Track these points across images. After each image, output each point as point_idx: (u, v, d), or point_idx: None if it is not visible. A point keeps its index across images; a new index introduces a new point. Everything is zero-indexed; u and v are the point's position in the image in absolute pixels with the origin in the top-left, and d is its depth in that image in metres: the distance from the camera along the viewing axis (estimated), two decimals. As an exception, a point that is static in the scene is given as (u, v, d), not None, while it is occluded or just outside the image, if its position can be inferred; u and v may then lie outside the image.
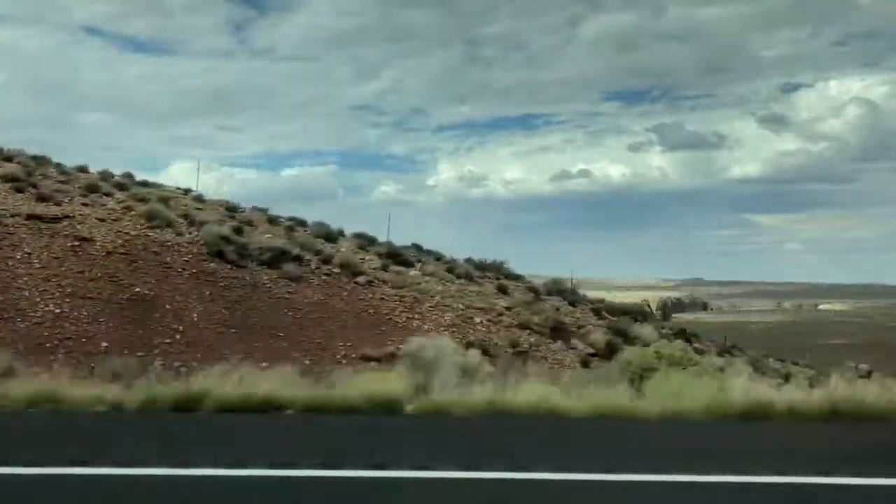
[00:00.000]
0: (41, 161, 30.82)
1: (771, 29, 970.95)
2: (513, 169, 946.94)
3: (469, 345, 19.62)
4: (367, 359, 19.23)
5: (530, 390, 8.51)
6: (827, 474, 5.47)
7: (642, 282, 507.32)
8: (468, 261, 32.71)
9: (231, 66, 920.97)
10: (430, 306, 24.67)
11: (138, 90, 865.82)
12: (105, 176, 32.15)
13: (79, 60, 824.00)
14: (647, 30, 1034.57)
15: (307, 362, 17.84)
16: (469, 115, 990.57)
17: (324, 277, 24.94)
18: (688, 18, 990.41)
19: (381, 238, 32.21)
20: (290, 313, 21.49)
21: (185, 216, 26.72)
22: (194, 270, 22.42)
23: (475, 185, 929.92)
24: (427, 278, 27.75)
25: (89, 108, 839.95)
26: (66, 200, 25.33)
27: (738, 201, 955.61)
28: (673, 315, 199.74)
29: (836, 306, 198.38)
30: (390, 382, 8.86)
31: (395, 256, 29.44)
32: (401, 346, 14.73)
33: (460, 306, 25.15)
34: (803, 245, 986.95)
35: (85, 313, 18.67)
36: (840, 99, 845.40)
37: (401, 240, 33.26)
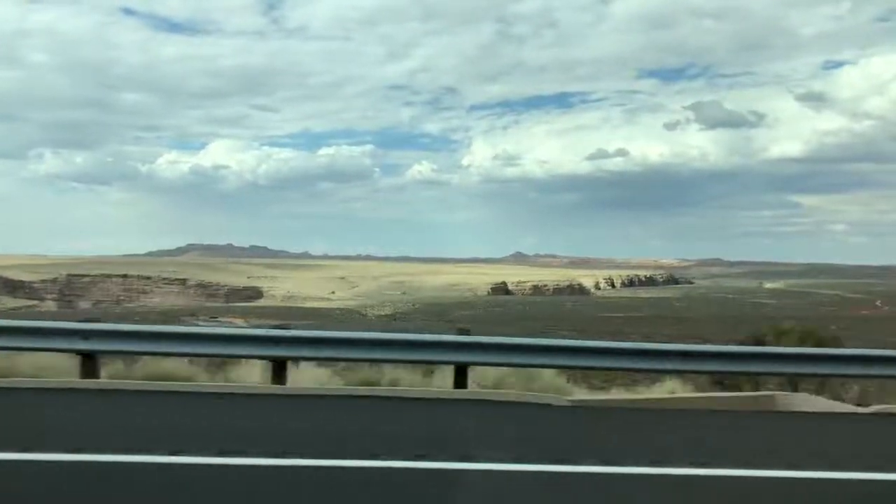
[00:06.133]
0: None
1: (810, 5, 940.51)
2: (548, 148, 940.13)
3: None
4: None
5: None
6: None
7: (660, 261, 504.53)
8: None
9: (264, 45, 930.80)
10: None
11: (174, 70, 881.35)
12: None
13: (116, 41, 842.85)
14: (682, 6, 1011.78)
15: None
16: (503, 94, 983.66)
17: None
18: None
19: None
20: None
21: None
22: None
23: (510, 165, 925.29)
24: None
25: (128, 88, 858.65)
26: None
27: (778, 181, 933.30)
28: (610, 289, 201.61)
29: (779, 285, 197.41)
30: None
31: None
32: None
33: None
34: (848, 226, 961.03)
35: None
36: (884, 76, 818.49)
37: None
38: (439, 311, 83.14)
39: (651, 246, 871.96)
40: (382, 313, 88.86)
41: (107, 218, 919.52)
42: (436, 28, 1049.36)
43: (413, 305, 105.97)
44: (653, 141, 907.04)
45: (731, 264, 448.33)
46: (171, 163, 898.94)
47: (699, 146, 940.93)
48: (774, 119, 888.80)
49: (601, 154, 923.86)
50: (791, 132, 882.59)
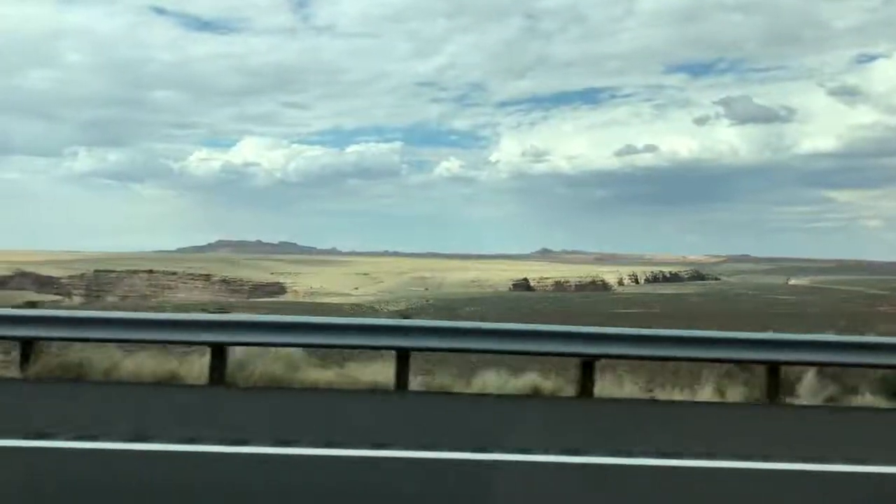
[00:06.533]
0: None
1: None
2: (576, 143, 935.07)
3: None
4: None
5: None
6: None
7: (688, 257, 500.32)
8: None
9: (294, 43, 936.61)
10: None
11: (205, 68, 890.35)
12: None
13: (148, 40, 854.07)
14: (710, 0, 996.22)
15: None
16: (531, 90, 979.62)
17: None
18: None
19: None
20: None
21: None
22: None
23: (538, 161, 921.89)
24: None
25: (160, 86, 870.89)
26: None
27: (810, 176, 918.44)
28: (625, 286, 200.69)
29: (804, 282, 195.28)
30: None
31: None
32: None
33: None
34: (883, 222, 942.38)
35: None
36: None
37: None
38: (450, 307, 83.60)
39: (681, 242, 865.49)
40: (396, 308, 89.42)
41: (139, 214, 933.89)
42: (463, 24, 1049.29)
43: (427, 301, 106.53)
44: (682, 136, 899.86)
45: (761, 260, 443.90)
46: (203, 160, 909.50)
47: (729, 141, 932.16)
48: (806, 114, 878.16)
49: (630, 149, 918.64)
50: (824, 127, 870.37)
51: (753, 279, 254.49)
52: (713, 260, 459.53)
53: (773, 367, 8.93)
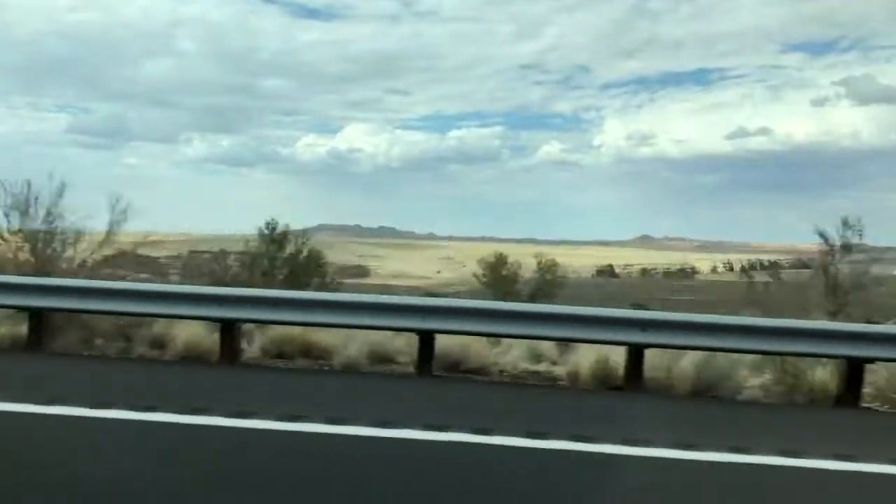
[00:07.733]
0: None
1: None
2: (685, 126, 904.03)
3: None
4: None
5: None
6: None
7: (798, 246, 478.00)
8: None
9: (397, 29, 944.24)
10: None
11: (312, 56, 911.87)
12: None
13: (257, 28, 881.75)
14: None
15: None
16: (637, 71, 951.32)
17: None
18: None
19: None
20: None
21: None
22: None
23: (643, 144, 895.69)
24: None
25: (269, 73, 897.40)
26: None
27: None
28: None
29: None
30: None
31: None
32: None
33: None
34: None
35: None
36: None
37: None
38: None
39: (792, 230, 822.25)
40: (458, 290, 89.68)
41: (248, 198, 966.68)
42: (567, 5, 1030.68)
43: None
44: (798, 119, 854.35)
45: (883, 250, 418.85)
46: (309, 146, 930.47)
47: (850, 124, 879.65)
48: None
49: (742, 133, 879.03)
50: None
51: (860, 268, 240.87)
52: (826, 248, 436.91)
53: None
